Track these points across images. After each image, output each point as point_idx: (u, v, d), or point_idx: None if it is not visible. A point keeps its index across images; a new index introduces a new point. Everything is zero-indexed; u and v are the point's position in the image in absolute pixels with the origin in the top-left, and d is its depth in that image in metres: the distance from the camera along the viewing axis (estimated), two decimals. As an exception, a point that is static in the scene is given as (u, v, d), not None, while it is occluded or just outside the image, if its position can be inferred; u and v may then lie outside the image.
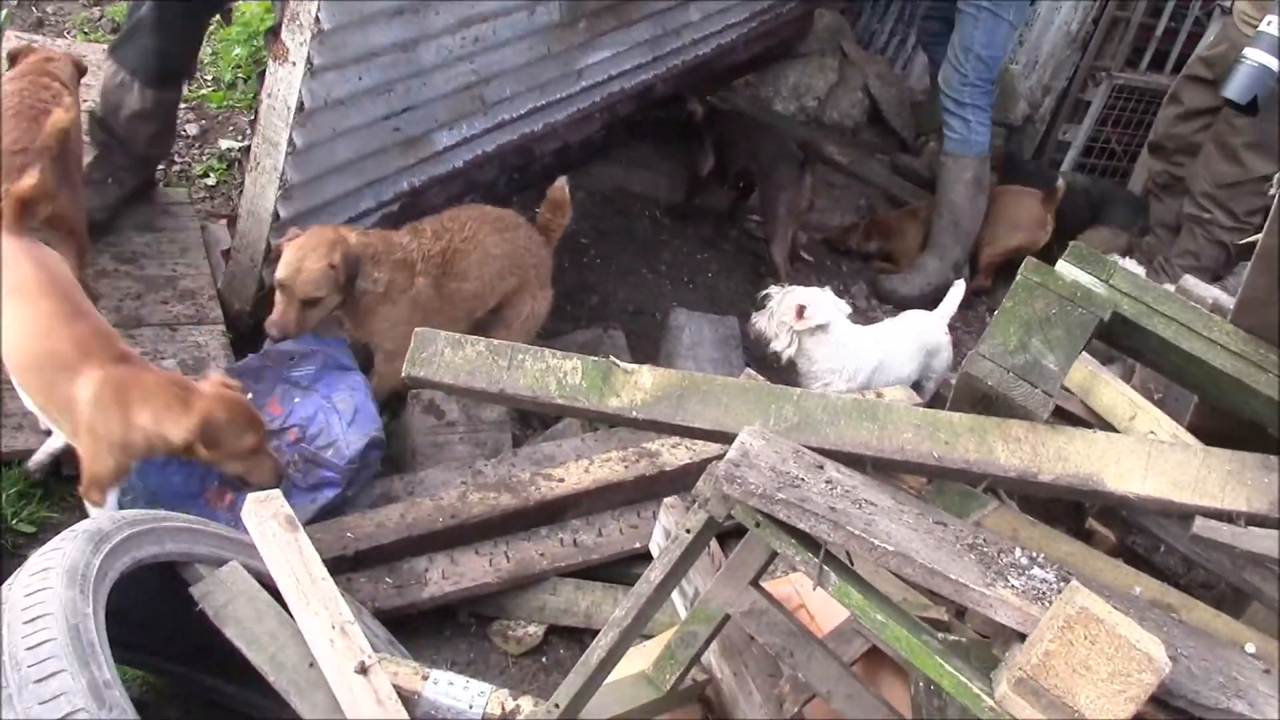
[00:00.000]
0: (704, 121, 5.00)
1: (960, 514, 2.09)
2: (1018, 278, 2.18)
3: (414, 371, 2.11)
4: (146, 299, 3.36)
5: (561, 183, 3.57)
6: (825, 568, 1.83)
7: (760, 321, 3.80)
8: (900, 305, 4.73)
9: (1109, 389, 2.75)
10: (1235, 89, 3.69)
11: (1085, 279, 2.18)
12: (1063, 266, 2.19)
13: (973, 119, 4.88)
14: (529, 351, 2.13)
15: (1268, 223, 2.00)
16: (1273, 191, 2.00)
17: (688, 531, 2.01)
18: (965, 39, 4.81)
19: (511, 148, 4.05)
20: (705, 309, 4.26)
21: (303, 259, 3.01)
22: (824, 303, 3.72)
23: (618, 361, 2.14)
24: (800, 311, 3.69)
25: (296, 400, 3.07)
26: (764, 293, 3.87)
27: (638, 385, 2.11)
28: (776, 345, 3.75)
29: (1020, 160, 5.78)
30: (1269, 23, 3.66)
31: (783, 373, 3.75)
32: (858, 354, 3.73)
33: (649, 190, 5.06)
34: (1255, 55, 3.66)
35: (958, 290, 4.03)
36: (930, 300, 4.39)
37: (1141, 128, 5.79)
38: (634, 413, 2.09)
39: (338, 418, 3.02)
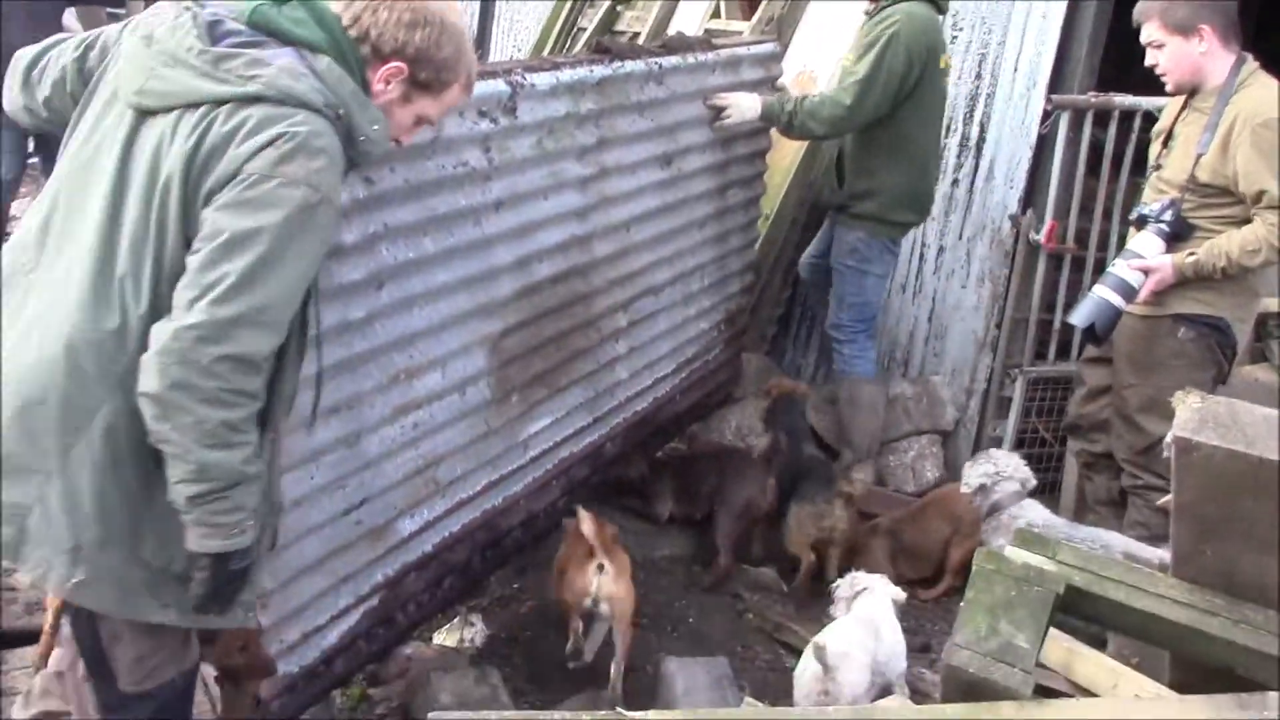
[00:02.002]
0: (653, 472, 5.34)
1: (974, 804, 2.17)
2: (973, 568, 2.36)
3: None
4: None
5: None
6: None
7: None
8: None
9: (1087, 662, 2.88)
10: (1077, 315, 4.31)
11: (1034, 559, 2.38)
12: (1011, 551, 2.39)
13: (848, 352, 5.78)
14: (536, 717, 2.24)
15: (1172, 482, 2.23)
16: (1166, 454, 2.24)
17: None
18: (838, 290, 5.72)
19: (476, 525, 4.18)
20: (694, 654, 4.33)
21: None
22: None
23: (624, 712, 2.24)
24: None
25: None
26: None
27: (647, 731, 2.21)
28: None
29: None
30: (1115, 264, 4.17)
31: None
32: None
33: (618, 550, 5.22)
34: (1101, 290, 4.23)
35: None
36: None
37: (1064, 414, 6.13)
38: (647, 759, 2.18)
39: None
